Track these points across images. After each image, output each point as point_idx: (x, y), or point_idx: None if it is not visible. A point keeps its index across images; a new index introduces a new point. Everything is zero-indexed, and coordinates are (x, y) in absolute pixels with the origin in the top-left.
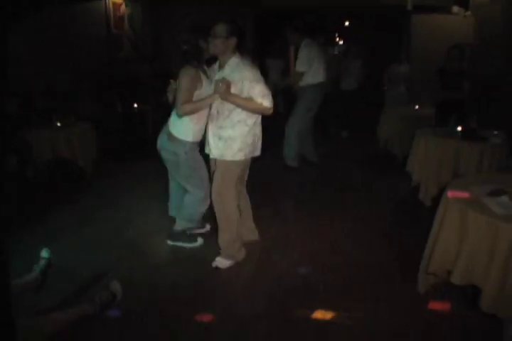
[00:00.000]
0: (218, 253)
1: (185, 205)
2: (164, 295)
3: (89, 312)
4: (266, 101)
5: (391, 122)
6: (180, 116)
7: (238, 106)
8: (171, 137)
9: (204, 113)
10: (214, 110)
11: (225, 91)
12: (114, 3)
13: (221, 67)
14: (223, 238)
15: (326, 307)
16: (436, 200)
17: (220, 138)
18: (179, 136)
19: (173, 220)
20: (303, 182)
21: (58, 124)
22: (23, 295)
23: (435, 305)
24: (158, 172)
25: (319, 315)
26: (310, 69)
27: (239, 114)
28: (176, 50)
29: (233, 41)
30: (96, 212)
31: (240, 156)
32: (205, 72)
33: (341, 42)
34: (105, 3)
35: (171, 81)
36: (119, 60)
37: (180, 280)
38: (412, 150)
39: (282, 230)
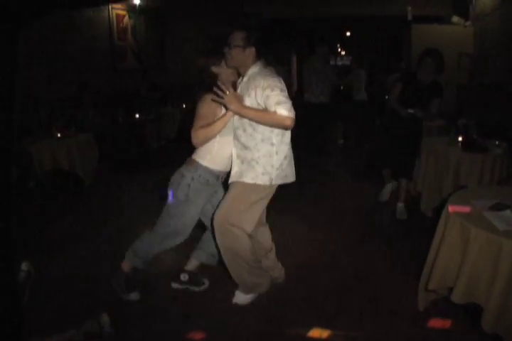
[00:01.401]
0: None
1: (143, 241)
2: (156, 311)
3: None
4: (281, 110)
5: None
6: (195, 144)
7: (252, 119)
8: (189, 161)
9: (227, 138)
10: (237, 128)
11: (234, 103)
12: (117, 15)
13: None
14: (232, 272)
15: (322, 324)
16: (438, 211)
17: (243, 161)
18: (198, 158)
19: None
20: (299, 190)
21: (58, 135)
22: None
23: (435, 323)
24: (158, 181)
25: (316, 333)
26: None
27: (263, 132)
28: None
29: (252, 51)
30: (94, 222)
31: (262, 180)
32: None
33: (343, 53)
34: (108, 15)
35: None
36: (122, 70)
37: (172, 295)
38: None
39: (277, 241)
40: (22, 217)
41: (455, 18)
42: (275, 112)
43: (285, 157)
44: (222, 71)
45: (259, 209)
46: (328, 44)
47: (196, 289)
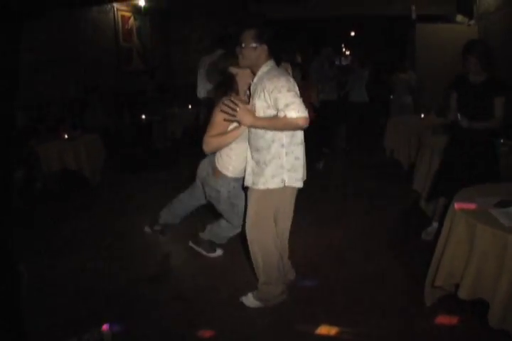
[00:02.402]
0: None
1: (220, 225)
2: (165, 309)
3: None
4: (290, 112)
5: (396, 131)
6: (206, 151)
7: (267, 129)
8: (215, 171)
9: (242, 145)
10: (249, 131)
11: (246, 118)
12: (122, 17)
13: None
14: (260, 280)
15: (330, 321)
16: (444, 209)
17: (257, 162)
18: (221, 169)
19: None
20: (305, 189)
21: (65, 136)
22: None
23: (443, 319)
24: (165, 182)
25: (324, 330)
26: None
27: (274, 132)
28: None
29: (264, 49)
30: (101, 222)
31: (274, 184)
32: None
33: (347, 53)
34: (114, 17)
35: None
36: (128, 72)
37: (182, 294)
38: (418, 160)
39: None
40: (29, 217)
41: (459, 17)
42: (285, 116)
43: (296, 158)
44: (239, 72)
45: (281, 212)
46: (332, 44)
47: (210, 255)
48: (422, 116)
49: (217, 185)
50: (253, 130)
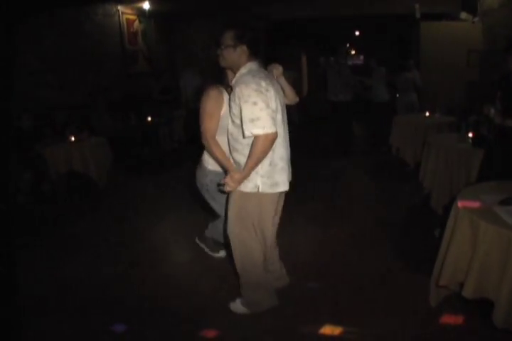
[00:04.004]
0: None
1: (214, 221)
2: (168, 311)
3: None
4: (256, 129)
5: (402, 130)
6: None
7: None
8: (200, 163)
9: (224, 138)
10: (228, 132)
11: (234, 182)
12: (127, 20)
13: None
14: (240, 282)
15: (334, 322)
16: (448, 208)
17: (234, 162)
18: (204, 161)
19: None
20: (312, 188)
21: (72, 139)
22: None
23: (448, 319)
24: (171, 183)
25: (328, 330)
26: None
27: (251, 137)
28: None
29: (243, 49)
30: (108, 223)
31: (247, 188)
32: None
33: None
34: (119, 20)
35: None
36: (133, 74)
37: (184, 296)
38: (424, 158)
39: (286, 241)
40: (37, 218)
41: (463, 15)
42: (255, 143)
43: (270, 164)
44: None
45: (262, 218)
46: (337, 44)
47: (214, 254)
48: (427, 114)
49: (200, 177)
50: (229, 131)
